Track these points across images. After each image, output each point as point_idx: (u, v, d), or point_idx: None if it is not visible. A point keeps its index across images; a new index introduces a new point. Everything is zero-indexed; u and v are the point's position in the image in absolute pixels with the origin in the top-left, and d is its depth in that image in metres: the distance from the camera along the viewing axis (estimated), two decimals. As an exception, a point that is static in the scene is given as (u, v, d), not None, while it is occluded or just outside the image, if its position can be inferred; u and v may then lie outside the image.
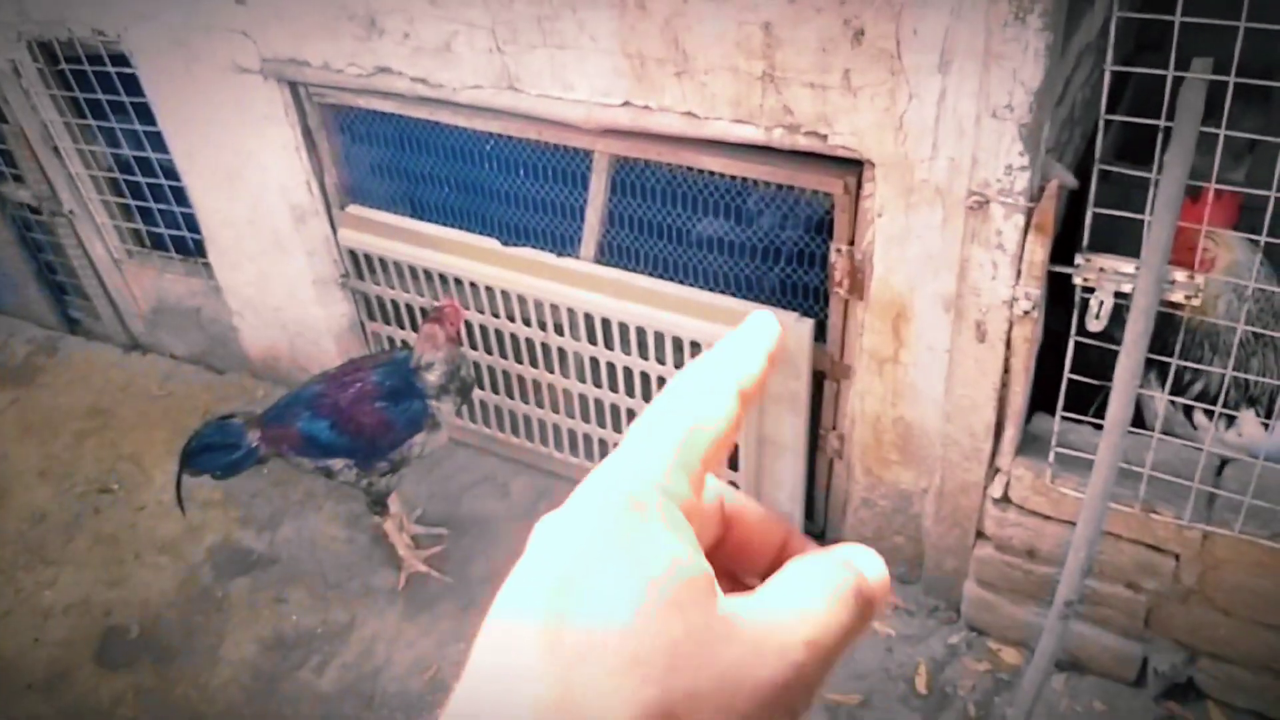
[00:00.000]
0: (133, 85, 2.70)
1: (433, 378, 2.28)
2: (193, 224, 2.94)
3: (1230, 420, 1.97)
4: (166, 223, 3.01)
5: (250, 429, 2.33)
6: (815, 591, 0.34)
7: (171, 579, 2.65)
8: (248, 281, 2.99)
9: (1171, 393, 1.90)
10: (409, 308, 2.67)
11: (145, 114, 2.75)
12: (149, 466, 2.97)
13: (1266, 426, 1.96)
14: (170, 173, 2.85)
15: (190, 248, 3.03)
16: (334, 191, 2.67)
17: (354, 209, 2.65)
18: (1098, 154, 1.71)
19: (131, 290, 3.28)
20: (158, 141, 2.79)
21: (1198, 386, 1.97)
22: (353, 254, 2.67)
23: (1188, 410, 2.00)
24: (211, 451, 2.35)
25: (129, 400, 3.25)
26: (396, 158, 2.59)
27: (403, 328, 2.73)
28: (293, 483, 2.85)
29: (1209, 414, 1.96)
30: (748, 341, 0.39)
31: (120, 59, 2.67)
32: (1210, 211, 1.73)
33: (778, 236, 2.20)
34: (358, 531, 2.71)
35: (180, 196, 2.89)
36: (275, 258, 2.85)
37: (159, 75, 2.64)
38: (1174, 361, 1.81)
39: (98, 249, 3.20)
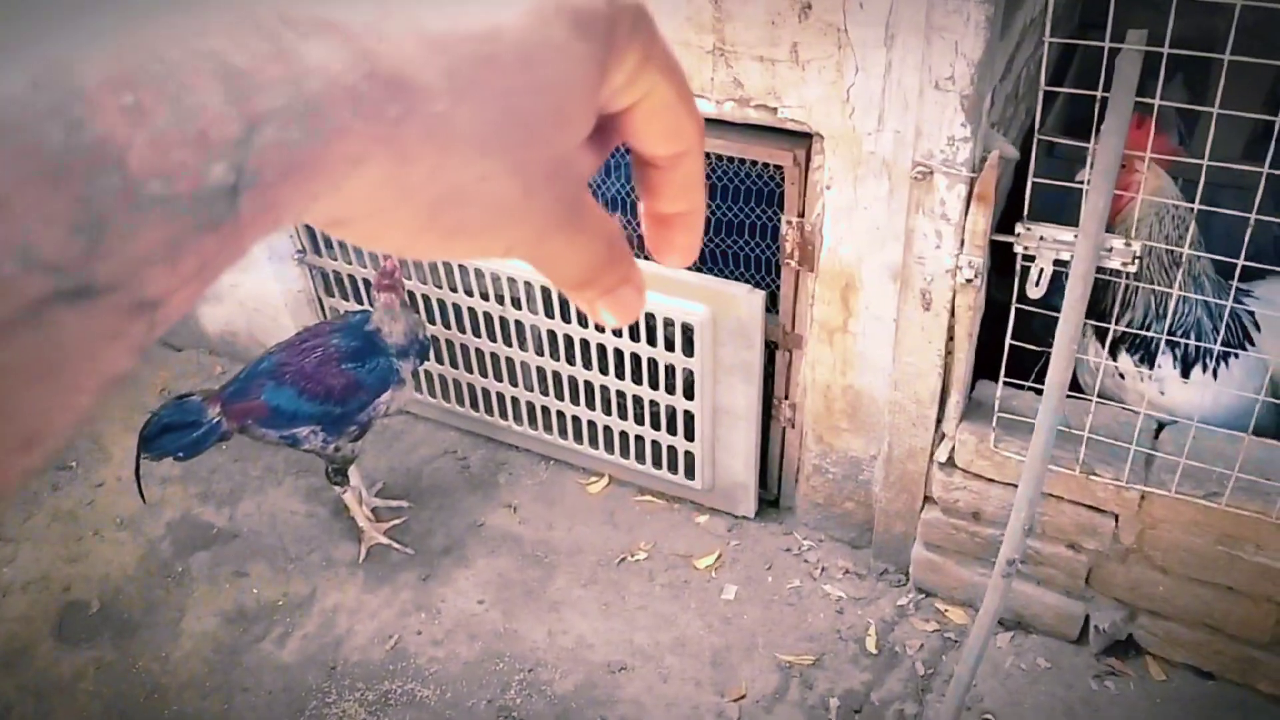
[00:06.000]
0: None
1: (394, 340, 2.31)
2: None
3: (1150, 361, 2.02)
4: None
5: (210, 405, 2.33)
6: None
7: (131, 554, 2.65)
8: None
9: (1100, 333, 1.97)
10: (365, 282, 2.68)
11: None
12: (107, 444, 2.96)
13: (1186, 376, 2.01)
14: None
15: (146, 224, 3.01)
16: (290, 167, 2.66)
17: (310, 184, 2.65)
18: (1038, 126, 1.76)
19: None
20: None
21: (1125, 319, 2.01)
22: (309, 229, 2.68)
23: (1114, 350, 2.03)
24: (172, 432, 2.34)
25: (86, 378, 3.23)
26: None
27: (359, 302, 2.74)
28: (252, 458, 2.86)
29: (1133, 356, 2.02)
30: None
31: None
32: (1151, 141, 1.78)
33: (730, 209, 2.24)
34: (318, 505, 2.73)
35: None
36: (232, 234, 2.85)
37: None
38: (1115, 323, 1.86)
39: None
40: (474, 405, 2.78)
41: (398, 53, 0.27)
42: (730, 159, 2.16)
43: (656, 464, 2.55)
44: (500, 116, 0.30)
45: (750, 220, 2.22)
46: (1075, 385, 1.99)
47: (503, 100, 0.30)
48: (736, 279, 2.24)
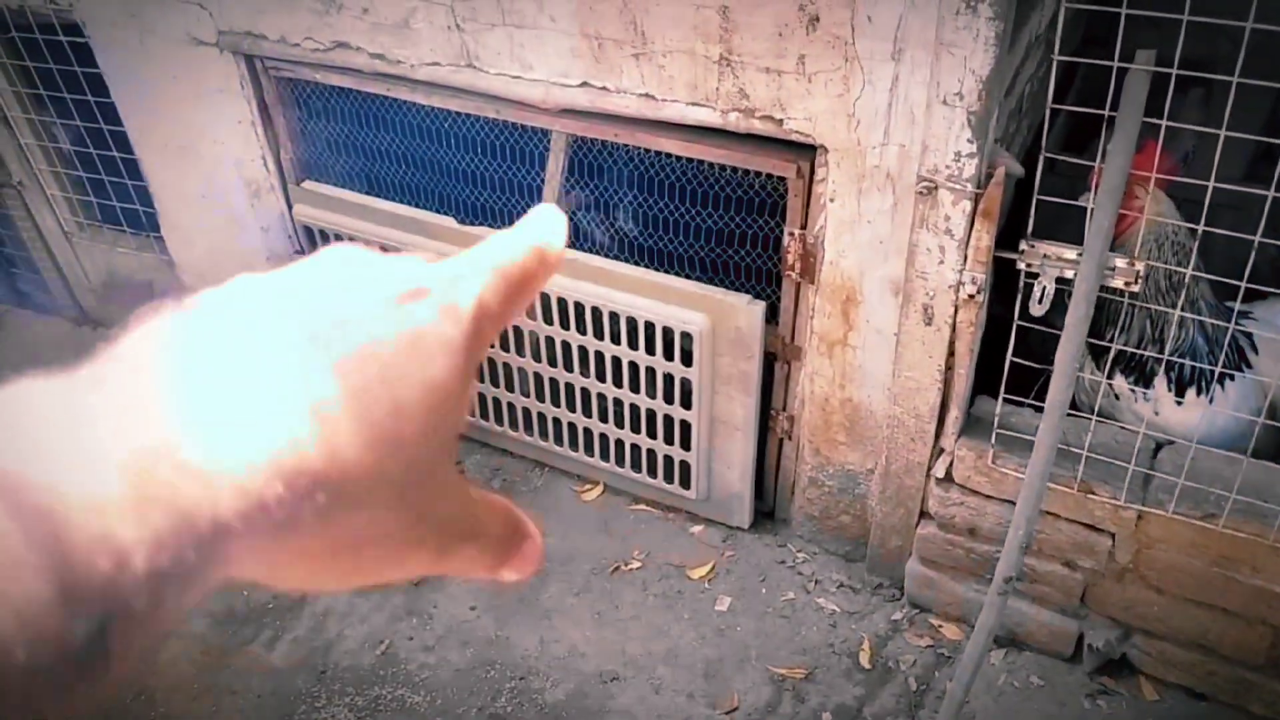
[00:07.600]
0: (85, 55, 2.67)
1: None
2: (145, 198, 2.91)
3: (1146, 382, 2.02)
4: (119, 196, 2.98)
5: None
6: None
7: (121, 554, 2.63)
8: (201, 257, 2.97)
9: (1095, 352, 1.96)
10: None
11: (98, 85, 2.71)
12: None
13: (1179, 402, 2.01)
14: (123, 145, 2.82)
15: (143, 222, 3.00)
16: (290, 167, 2.66)
17: (310, 185, 2.64)
18: (1044, 143, 1.75)
19: (82, 264, 3.24)
20: (111, 113, 2.76)
21: (1121, 341, 2.01)
22: (308, 230, 2.66)
23: (1109, 371, 2.03)
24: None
25: (78, 375, 3.21)
26: (353, 134, 2.59)
27: (358, 305, 2.73)
28: (245, 459, 2.84)
29: (1128, 378, 2.02)
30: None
31: (73, 28, 2.64)
32: (1152, 164, 1.78)
33: (732, 219, 2.23)
34: (310, 508, 2.71)
35: (133, 169, 2.86)
36: (229, 233, 2.84)
37: (112, 46, 2.61)
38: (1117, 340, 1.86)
39: (48, 221, 3.16)
40: (468, 410, 2.77)
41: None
42: (733, 169, 2.15)
43: (652, 473, 2.54)
44: (379, 456, 0.31)
45: (752, 231, 2.21)
46: (1072, 403, 1.99)
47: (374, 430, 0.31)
48: (737, 289, 2.23)
